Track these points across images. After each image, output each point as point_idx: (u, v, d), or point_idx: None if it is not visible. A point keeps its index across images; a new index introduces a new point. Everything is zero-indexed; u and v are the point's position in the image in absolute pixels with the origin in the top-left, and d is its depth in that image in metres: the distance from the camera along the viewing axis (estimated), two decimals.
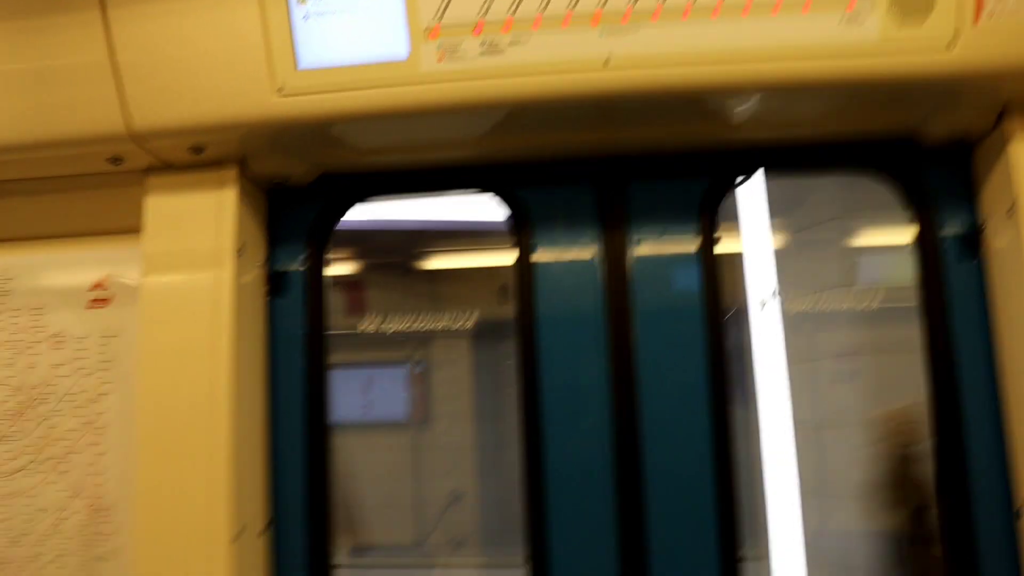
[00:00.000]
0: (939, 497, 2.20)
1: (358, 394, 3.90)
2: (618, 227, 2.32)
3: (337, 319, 3.09)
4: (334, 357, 2.46)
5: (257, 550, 2.25)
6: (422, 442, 3.93)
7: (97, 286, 2.40)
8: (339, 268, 3.19)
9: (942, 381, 2.21)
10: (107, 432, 2.33)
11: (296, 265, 2.40)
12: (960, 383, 2.20)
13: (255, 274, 2.32)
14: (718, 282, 2.29)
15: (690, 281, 2.29)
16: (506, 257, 2.38)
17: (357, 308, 3.56)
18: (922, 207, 2.26)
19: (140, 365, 2.18)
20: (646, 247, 2.31)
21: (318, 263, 2.40)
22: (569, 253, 2.33)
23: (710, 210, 2.30)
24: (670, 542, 2.21)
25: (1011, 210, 2.06)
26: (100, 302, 2.39)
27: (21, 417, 2.38)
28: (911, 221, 2.27)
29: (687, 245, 2.30)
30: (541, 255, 2.34)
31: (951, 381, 2.20)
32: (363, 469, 3.87)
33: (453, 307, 3.54)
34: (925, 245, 2.25)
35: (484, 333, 3.73)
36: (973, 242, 2.23)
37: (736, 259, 2.69)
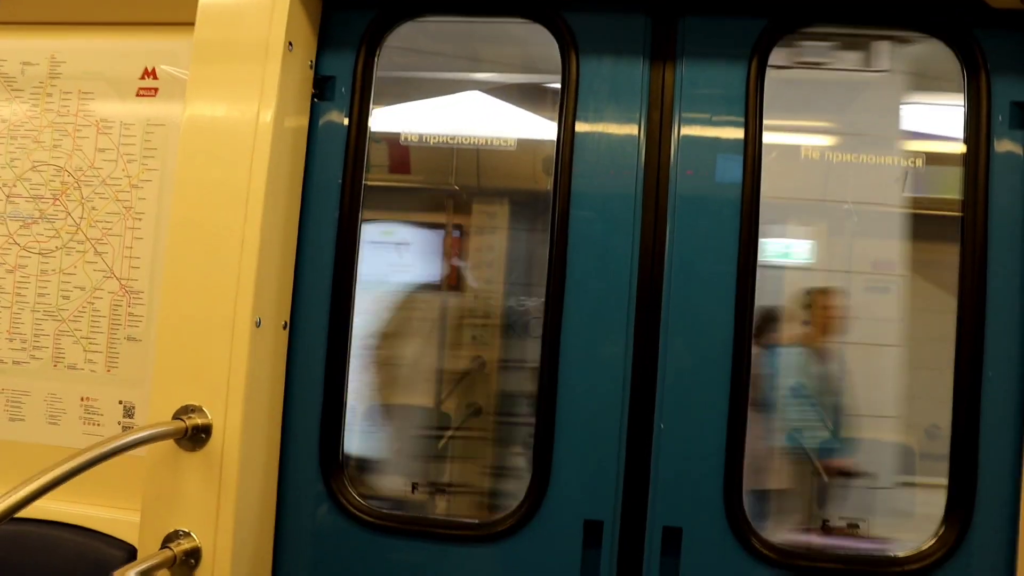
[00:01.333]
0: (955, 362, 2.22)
1: (392, 252, 3.91)
2: (668, 63, 2.31)
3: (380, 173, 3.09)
4: (370, 213, 2.48)
5: (278, 342, 2.32)
6: (451, 307, 3.94)
7: (147, 75, 2.43)
8: (387, 122, 3.15)
9: (973, 246, 2.20)
10: (145, 218, 2.40)
11: (345, 70, 2.40)
12: (989, 248, 2.20)
13: (303, 73, 2.33)
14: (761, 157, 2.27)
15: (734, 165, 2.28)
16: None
17: (401, 166, 3.54)
18: (979, 70, 2.22)
19: (182, 153, 2.21)
20: (693, 99, 2.30)
21: (368, 70, 2.40)
22: (613, 108, 2.31)
23: (763, 53, 2.27)
24: (679, 433, 2.24)
25: None
26: (149, 91, 2.43)
27: (63, 198, 2.44)
28: (966, 84, 2.24)
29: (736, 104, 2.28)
30: (584, 105, 2.33)
31: (982, 246, 2.20)
32: (389, 329, 3.90)
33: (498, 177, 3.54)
34: (976, 109, 2.22)
35: (526, 204, 3.73)
36: None
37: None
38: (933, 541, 2.18)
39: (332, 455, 2.36)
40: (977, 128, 2.21)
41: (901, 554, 2.21)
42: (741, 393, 2.21)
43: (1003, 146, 2.21)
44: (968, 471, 2.17)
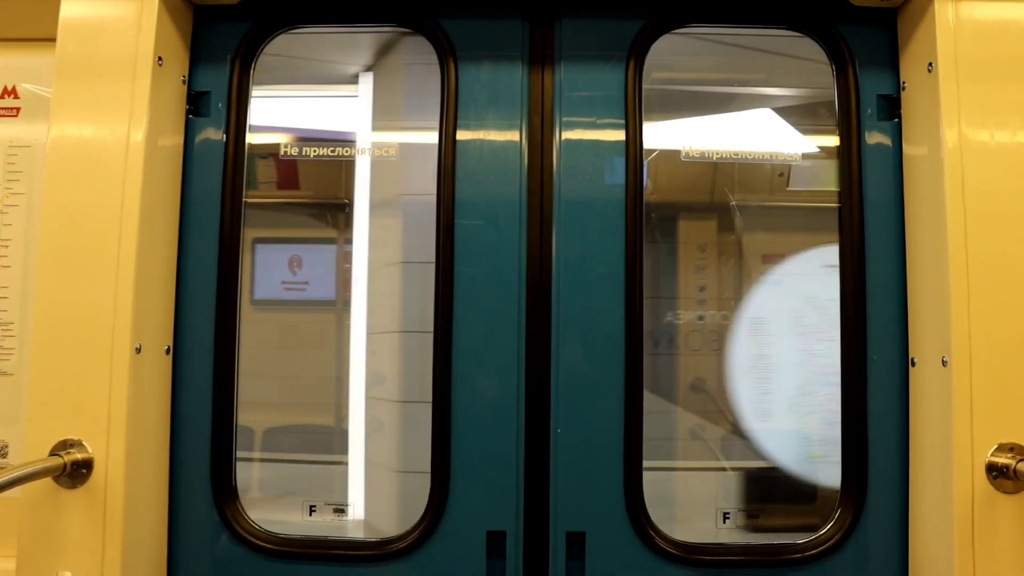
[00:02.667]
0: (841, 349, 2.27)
1: (284, 269, 3.80)
2: (546, 67, 2.32)
3: (268, 190, 3.00)
4: (260, 232, 2.41)
5: (161, 368, 2.23)
6: (347, 323, 3.85)
7: (7, 94, 2.31)
8: (270, 138, 3.06)
9: (851, 236, 2.28)
10: (12, 245, 2.28)
11: (220, 85, 2.33)
12: (867, 238, 2.27)
13: (175, 89, 2.26)
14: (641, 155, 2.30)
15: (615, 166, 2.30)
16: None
17: (289, 181, 3.46)
18: (846, 65, 2.31)
19: (48, 175, 2.10)
20: (573, 102, 2.31)
21: (243, 85, 2.34)
22: (494, 115, 2.31)
23: (640, 53, 2.30)
24: (576, 436, 2.23)
25: (931, 67, 2.10)
26: (9, 111, 2.31)
27: None
28: (835, 79, 2.32)
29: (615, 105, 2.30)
30: (465, 113, 2.32)
31: (859, 236, 2.27)
32: (285, 347, 3.80)
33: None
34: (846, 103, 2.29)
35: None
36: (893, 102, 2.28)
37: None
38: (830, 526, 2.24)
39: (225, 482, 2.28)
40: (848, 121, 2.29)
41: (800, 541, 2.25)
42: (635, 391, 2.22)
43: (873, 138, 2.29)
44: (859, 455, 2.23)
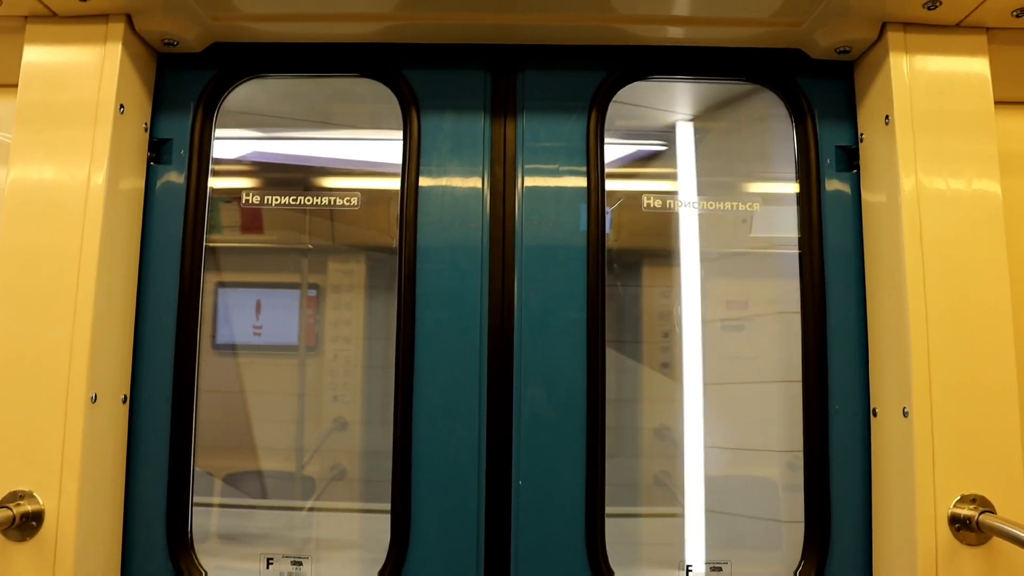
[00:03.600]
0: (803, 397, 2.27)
1: (248, 314, 3.78)
2: (509, 117, 2.34)
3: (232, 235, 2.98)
4: (224, 276, 2.39)
5: (117, 418, 2.19)
6: (310, 368, 3.82)
7: None
8: (236, 182, 3.07)
9: (812, 285, 2.29)
10: None
11: (181, 133, 2.33)
12: (828, 287, 2.28)
13: (137, 136, 2.25)
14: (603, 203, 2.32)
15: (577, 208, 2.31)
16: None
17: (253, 226, 3.45)
18: (804, 117, 2.34)
19: (7, 217, 2.08)
20: (535, 152, 2.33)
21: (205, 132, 2.34)
22: (456, 163, 2.32)
23: (601, 105, 2.33)
24: (536, 487, 2.22)
25: (888, 119, 2.14)
26: None
27: None
28: (794, 129, 2.35)
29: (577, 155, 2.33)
30: (427, 161, 2.33)
31: (820, 285, 2.28)
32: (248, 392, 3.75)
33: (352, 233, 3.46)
34: (806, 154, 2.32)
35: (382, 260, 3.66)
36: (851, 153, 2.31)
37: None
38: None
39: (181, 533, 2.23)
40: (808, 171, 2.32)
41: None
42: (597, 440, 2.21)
43: (833, 186, 2.32)
44: (822, 505, 2.21)
